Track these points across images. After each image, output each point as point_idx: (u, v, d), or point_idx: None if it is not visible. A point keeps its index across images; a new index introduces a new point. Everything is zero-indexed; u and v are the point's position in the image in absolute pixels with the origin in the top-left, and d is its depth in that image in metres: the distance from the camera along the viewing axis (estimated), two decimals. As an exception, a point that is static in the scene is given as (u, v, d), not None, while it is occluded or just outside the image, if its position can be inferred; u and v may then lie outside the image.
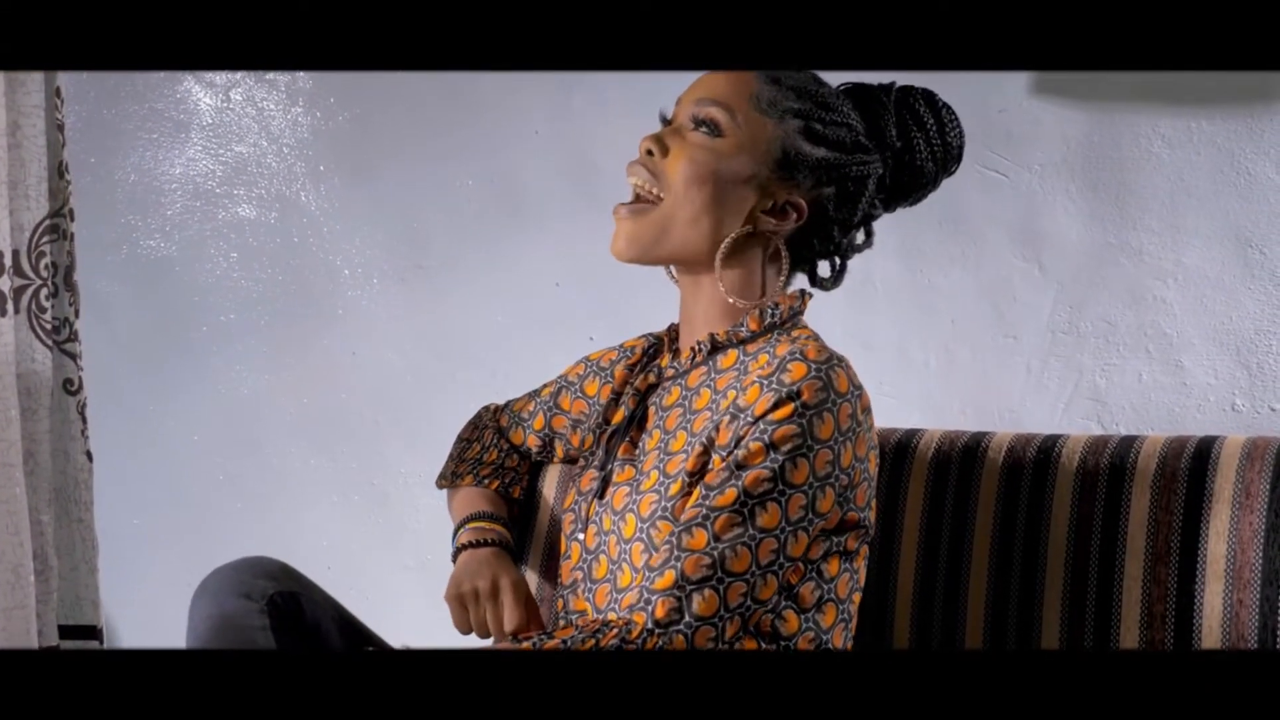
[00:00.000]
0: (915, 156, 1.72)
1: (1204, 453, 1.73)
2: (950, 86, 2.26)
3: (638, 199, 1.68)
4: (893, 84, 1.76)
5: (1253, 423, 2.20)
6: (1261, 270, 2.20)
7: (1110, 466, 1.75)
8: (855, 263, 2.39)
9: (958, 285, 2.37)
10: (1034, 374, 2.32)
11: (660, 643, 1.50)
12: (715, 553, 1.52)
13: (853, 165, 1.69)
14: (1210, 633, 1.65)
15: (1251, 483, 1.69)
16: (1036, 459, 1.79)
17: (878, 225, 2.44)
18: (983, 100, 2.33)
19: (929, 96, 1.75)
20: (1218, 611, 1.65)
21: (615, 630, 1.52)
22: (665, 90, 1.79)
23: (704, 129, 1.66)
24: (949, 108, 1.75)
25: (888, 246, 2.38)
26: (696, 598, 1.51)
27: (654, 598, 1.52)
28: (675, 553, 1.53)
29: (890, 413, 2.26)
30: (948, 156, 1.75)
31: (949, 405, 2.36)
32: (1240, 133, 2.21)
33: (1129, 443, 1.77)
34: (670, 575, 1.52)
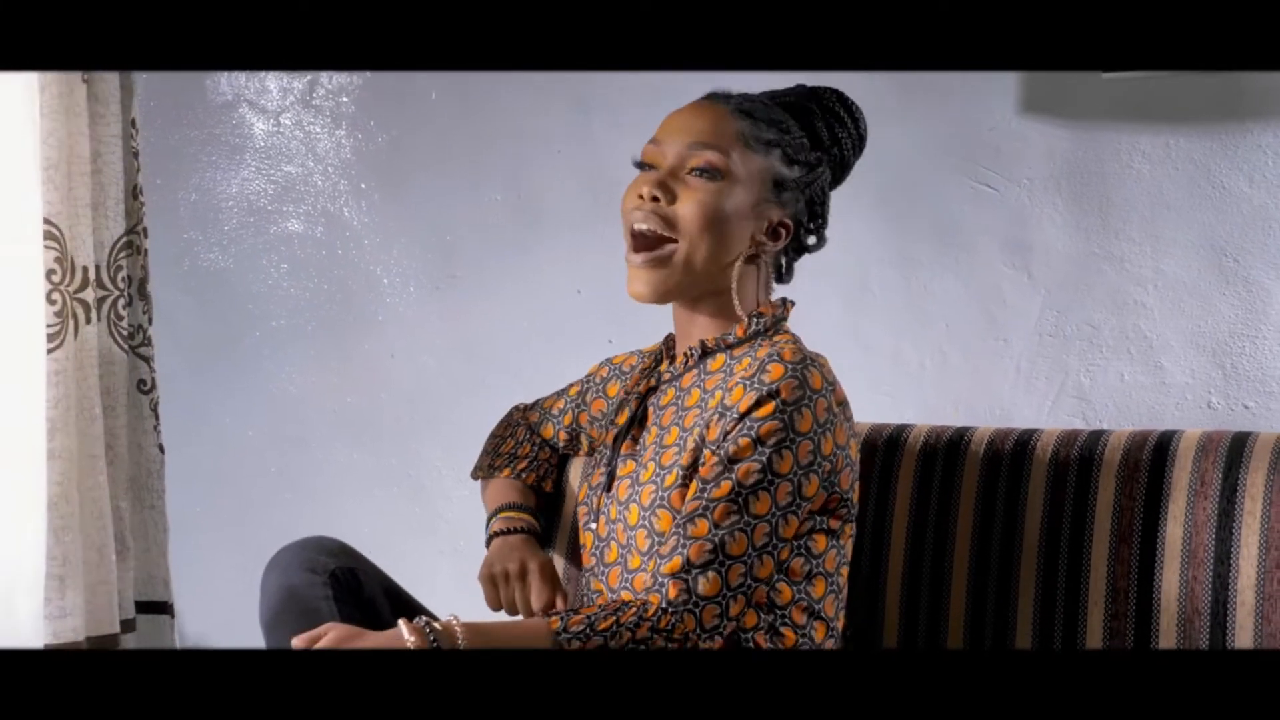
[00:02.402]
0: (843, 151, 1.81)
1: (1164, 445, 1.80)
2: (943, 105, 2.37)
3: (645, 240, 1.73)
4: (801, 86, 1.83)
5: (1227, 419, 2.25)
6: (1235, 277, 2.25)
7: (1080, 458, 1.82)
8: (853, 270, 2.42)
9: (951, 291, 2.41)
10: (1023, 374, 2.36)
11: (673, 620, 1.59)
12: (716, 539, 1.61)
13: (817, 178, 1.79)
14: (1168, 607, 1.73)
15: (1206, 472, 1.76)
16: (1014, 451, 1.86)
17: (877, 234, 2.42)
18: (974, 119, 2.37)
19: (836, 94, 1.83)
20: (1175, 588, 1.73)
21: (634, 609, 1.60)
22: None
23: (705, 175, 1.72)
24: (850, 99, 1.84)
25: (885, 255, 2.44)
26: (701, 580, 1.61)
27: (665, 581, 1.61)
28: (681, 540, 1.63)
29: (886, 411, 2.30)
30: (862, 144, 1.83)
31: (942, 404, 2.40)
32: (1215, 149, 2.25)
33: (1097, 436, 1.84)
34: (678, 561, 1.62)
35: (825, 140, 1.79)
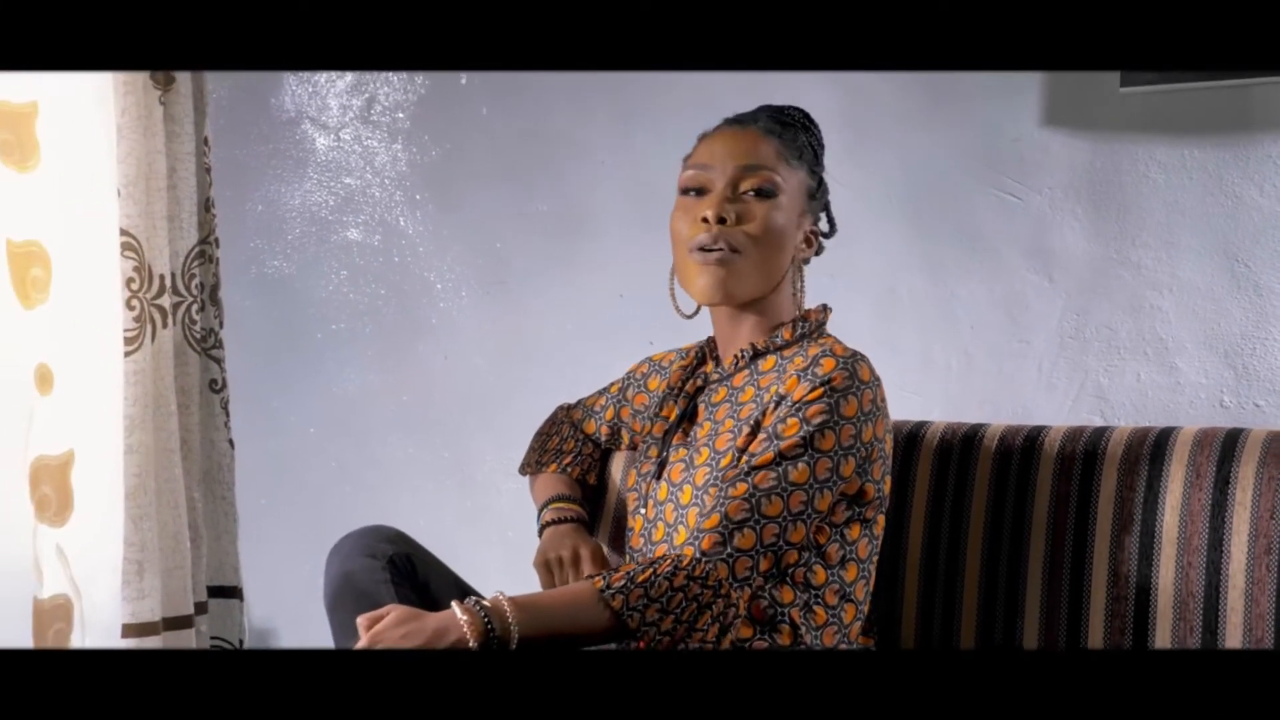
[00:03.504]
0: (821, 159, 1.89)
1: (1162, 441, 1.86)
2: (968, 118, 2.42)
3: (712, 251, 1.78)
4: (768, 106, 1.89)
5: (1239, 418, 2.27)
6: (1246, 282, 2.28)
7: (1084, 452, 1.88)
8: (883, 275, 2.48)
9: (975, 295, 2.46)
10: (1044, 374, 2.40)
11: (707, 568, 1.66)
12: (753, 499, 1.69)
13: (825, 184, 1.89)
14: (1165, 591, 1.79)
15: (1201, 466, 1.81)
16: (1024, 445, 1.93)
17: (905, 241, 2.45)
18: (998, 130, 2.41)
19: (798, 109, 1.90)
20: (1171, 573, 1.80)
21: (670, 560, 1.67)
22: (714, 124, 1.91)
23: (760, 194, 1.79)
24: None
25: (913, 261, 2.48)
26: (737, 534, 1.69)
27: (702, 534, 1.69)
28: (721, 500, 1.70)
29: (914, 409, 2.34)
30: (823, 150, 1.91)
31: (967, 403, 2.42)
32: (1227, 159, 2.28)
33: (1100, 432, 1.90)
34: (716, 517, 1.70)
35: (814, 150, 1.88)
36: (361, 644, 1.61)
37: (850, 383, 1.73)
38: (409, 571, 1.84)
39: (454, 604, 1.63)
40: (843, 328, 1.97)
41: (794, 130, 1.86)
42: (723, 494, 1.72)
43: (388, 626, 1.61)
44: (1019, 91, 2.41)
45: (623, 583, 1.66)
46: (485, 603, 1.64)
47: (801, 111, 1.91)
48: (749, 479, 1.71)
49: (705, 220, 1.79)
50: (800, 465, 1.70)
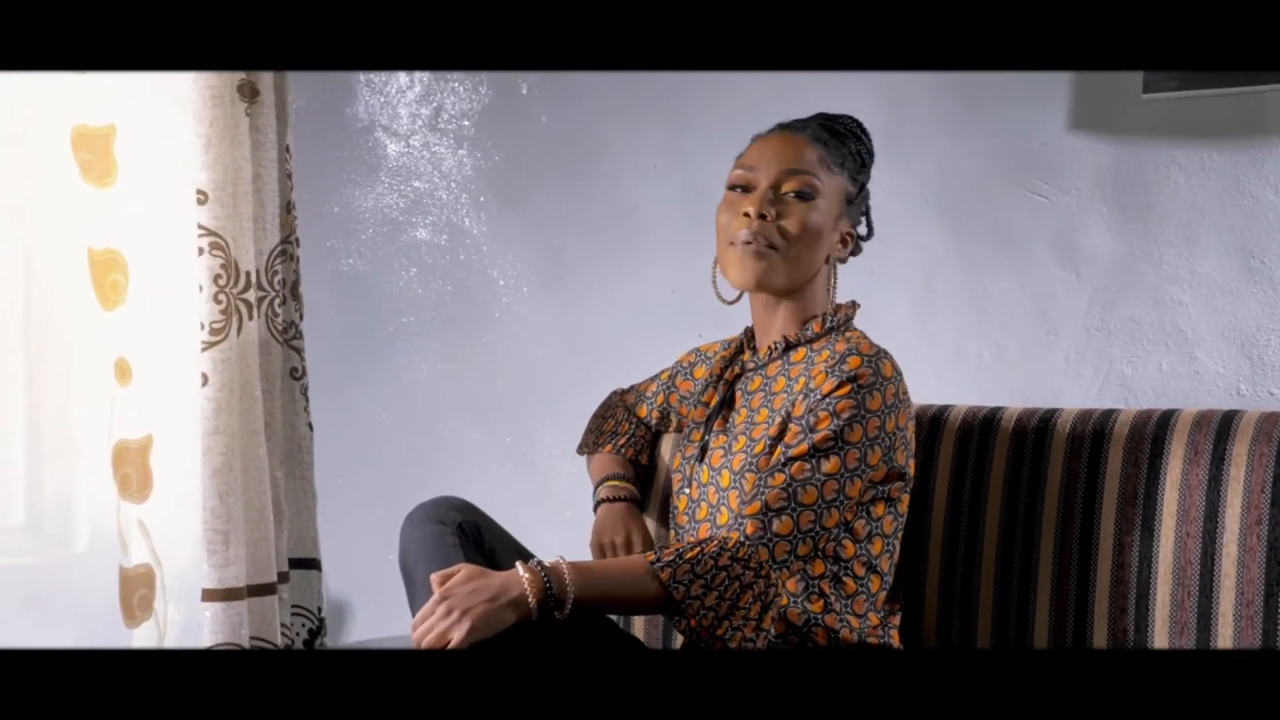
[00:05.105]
0: (868, 169, 1.97)
1: (1164, 422, 1.92)
2: (1000, 123, 2.47)
3: (755, 246, 1.85)
4: (822, 114, 1.95)
5: (1254, 405, 2.29)
6: (1262, 277, 2.32)
7: (1093, 432, 1.95)
8: (920, 271, 2.52)
9: (1007, 290, 2.49)
10: (1071, 365, 2.44)
11: (749, 551, 1.76)
12: (790, 489, 1.79)
13: (867, 190, 1.98)
14: (1165, 558, 1.87)
15: (1199, 444, 1.88)
16: (1038, 427, 1.99)
17: (941, 239, 2.50)
18: (1027, 135, 2.46)
19: (851, 118, 1.97)
20: (1170, 543, 1.87)
21: (715, 542, 1.77)
22: (760, 130, 1.97)
23: (800, 196, 1.88)
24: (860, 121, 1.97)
25: (948, 258, 2.54)
26: (776, 521, 1.78)
27: (744, 520, 1.79)
28: (761, 489, 1.80)
29: (949, 398, 2.30)
30: (873, 158, 1.98)
31: (998, 392, 2.41)
32: (1244, 162, 2.32)
33: (1108, 415, 1.97)
34: (757, 504, 1.79)
35: (861, 159, 1.96)
36: (434, 598, 1.71)
37: (875, 379, 1.82)
38: (476, 538, 1.91)
39: (518, 564, 1.73)
40: (882, 321, 2.03)
41: (841, 139, 1.93)
42: (762, 483, 1.81)
43: (458, 583, 1.71)
44: (1047, 98, 2.46)
45: (672, 558, 1.75)
46: (546, 564, 1.74)
47: (854, 121, 1.98)
48: (786, 470, 1.80)
49: (747, 215, 1.87)
50: (832, 458, 1.79)
